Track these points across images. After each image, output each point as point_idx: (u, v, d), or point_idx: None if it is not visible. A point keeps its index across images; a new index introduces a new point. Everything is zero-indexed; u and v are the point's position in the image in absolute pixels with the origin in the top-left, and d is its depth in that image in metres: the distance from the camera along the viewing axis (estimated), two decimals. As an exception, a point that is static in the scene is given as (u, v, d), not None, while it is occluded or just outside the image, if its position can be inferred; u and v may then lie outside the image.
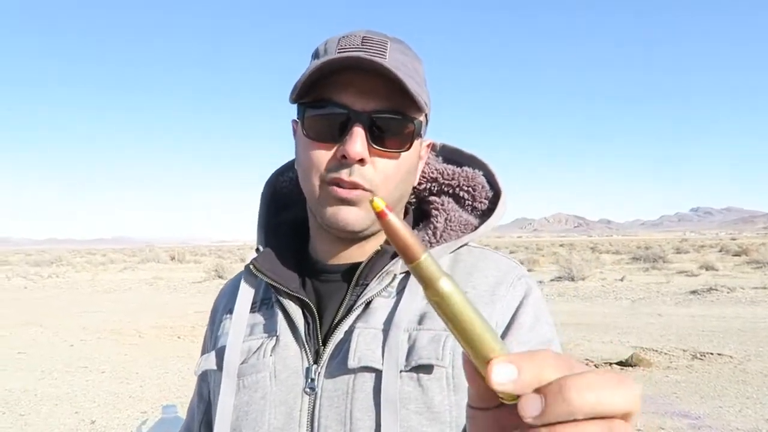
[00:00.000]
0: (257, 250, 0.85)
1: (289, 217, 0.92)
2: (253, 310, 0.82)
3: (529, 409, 0.31)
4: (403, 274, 0.78)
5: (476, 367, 0.34)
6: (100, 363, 7.01)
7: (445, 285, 0.33)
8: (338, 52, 0.74)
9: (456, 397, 0.70)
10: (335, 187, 0.74)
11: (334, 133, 0.74)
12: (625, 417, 0.32)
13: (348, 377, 0.71)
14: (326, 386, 0.71)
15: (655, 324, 8.72)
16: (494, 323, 0.74)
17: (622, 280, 15.48)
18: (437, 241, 0.81)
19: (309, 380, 0.72)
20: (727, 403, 4.96)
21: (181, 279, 19.79)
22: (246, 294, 0.83)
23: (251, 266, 0.81)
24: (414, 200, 0.91)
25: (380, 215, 0.33)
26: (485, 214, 0.85)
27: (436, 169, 0.88)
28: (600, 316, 9.58)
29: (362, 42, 0.75)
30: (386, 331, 0.72)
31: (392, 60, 0.74)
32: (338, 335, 0.74)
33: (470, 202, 0.85)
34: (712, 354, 6.62)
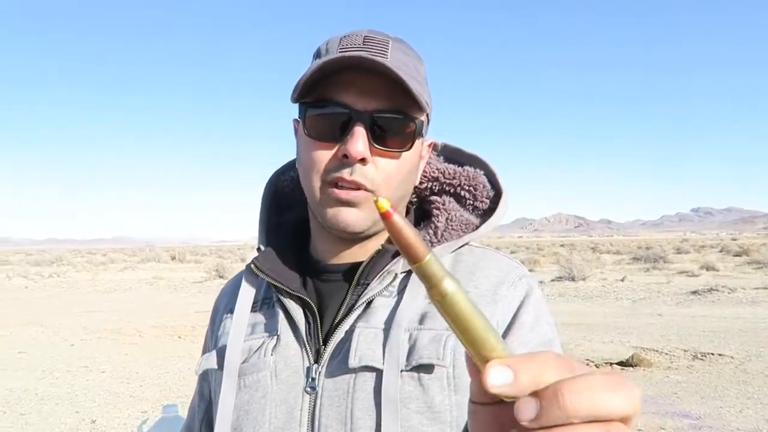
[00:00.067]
0: (258, 249, 0.85)
1: (290, 217, 0.92)
2: (254, 309, 0.82)
3: (525, 412, 0.31)
4: (404, 274, 0.78)
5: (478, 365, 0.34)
6: (100, 363, 7.01)
7: (449, 285, 0.33)
8: (340, 52, 0.74)
9: (456, 397, 0.70)
10: (335, 189, 0.74)
11: (336, 132, 0.73)
12: (624, 419, 0.31)
13: (349, 377, 0.71)
14: (327, 386, 0.71)
15: (655, 324, 8.72)
16: (495, 323, 0.74)
17: (622, 280, 15.48)
18: (438, 241, 0.81)
19: (310, 379, 0.72)
20: (727, 403, 4.96)
21: (181, 279, 19.80)
22: (247, 293, 0.83)
23: (252, 265, 0.81)
24: (415, 199, 0.91)
25: (385, 216, 0.33)
26: (486, 214, 0.85)
27: (437, 169, 0.88)
28: (600, 316, 9.57)
29: (364, 42, 0.75)
30: (387, 331, 0.72)
31: (394, 60, 0.74)
32: (339, 335, 0.74)
33: (471, 202, 0.85)
34: (712, 354, 6.62)
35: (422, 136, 0.80)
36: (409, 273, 0.77)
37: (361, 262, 0.79)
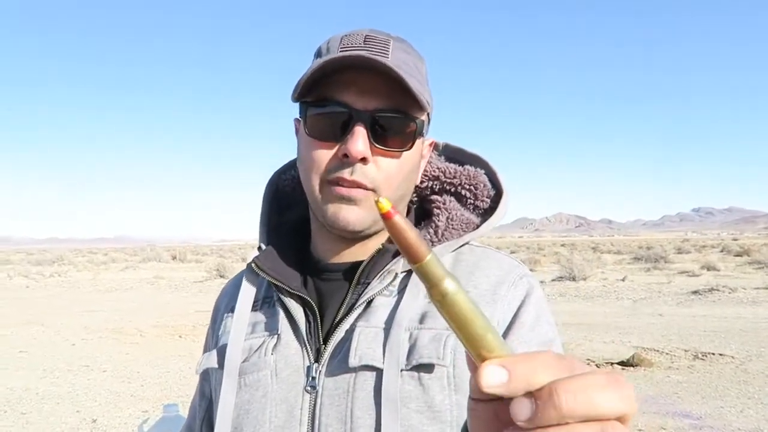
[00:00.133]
0: (259, 248, 0.85)
1: (291, 216, 0.92)
2: (254, 308, 0.82)
3: (521, 412, 0.31)
4: (404, 273, 0.78)
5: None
6: (101, 362, 7.02)
7: (449, 285, 0.34)
8: (341, 51, 0.74)
9: (457, 397, 0.70)
10: (336, 187, 0.74)
11: (336, 132, 0.74)
12: (620, 418, 0.32)
13: (349, 376, 0.71)
14: (327, 385, 0.71)
15: (656, 324, 8.71)
16: (496, 322, 0.74)
17: (623, 280, 15.47)
18: (439, 240, 0.81)
19: (310, 379, 0.72)
20: (728, 403, 4.96)
21: (182, 278, 19.81)
22: (247, 292, 0.83)
23: (253, 264, 0.81)
24: (416, 199, 0.91)
25: (386, 216, 0.33)
26: (487, 213, 0.85)
27: (438, 168, 0.88)
28: (601, 316, 9.57)
29: (365, 41, 0.75)
30: (387, 330, 0.72)
31: (394, 59, 0.74)
32: (339, 334, 0.74)
33: (472, 201, 0.85)
34: (713, 354, 6.61)
35: (423, 135, 0.80)
36: (409, 272, 0.77)
37: (362, 262, 0.79)
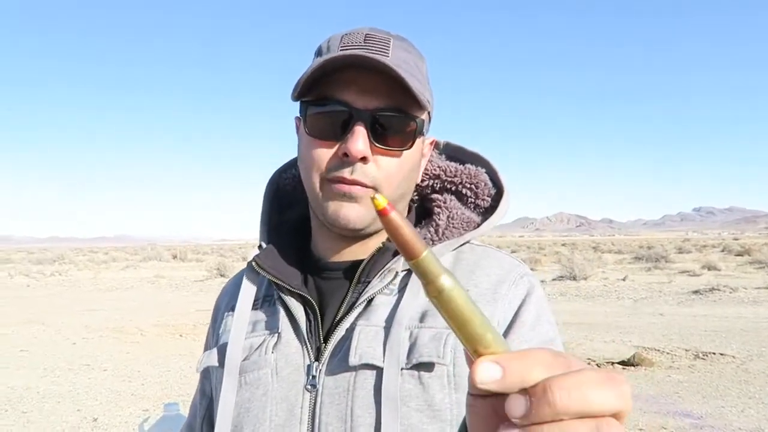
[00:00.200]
0: (260, 247, 0.85)
1: (291, 215, 0.92)
2: (255, 307, 0.82)
3: (515, 409, 0.31)
4: (404, 272, 0.78)
5: None
6: (102, 361, 7.03)
7: (445, 281, 0.34)
8: (341, 50, 0.73)
9: (457, 396, 0.70)
10: (336, 184, 0.74)
11: (336, 131, 0.73)
12: (615, 415, 0.32)
13: (349, 374, 0.71)
14: (327, 383, 0.71)
15: (657, 324, 8.71)
16: (496, 321, 0.74)
17: (624, 279, 15.47)
18: (439, 239, 0.81)
19: (310, 377, 0.72)
20: (729, 402, 4.96)
21: (182, 277, 19.83)
22: (248, 291, 0.83)
23: (253, 263, 0.81)
24: (416, 197, 0.91)
25: (381, 213, 0.33)
26: (488, 212, 0.84)
27: (438, 167, 0.88)
28: (602, 316, 9.57)
29: (365, 39, 0.75)
30: (387, 329, 0.72)
31: (395, 58, 0.74)
32: (339, 332, 0.74)
33: (473, 200, 0.85)
34: (714, 354, 6.61)
35: (423, 134, 0.80)
36: (410, 271, 0.77)
37: (362, 260, 0.79)
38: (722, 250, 30.89)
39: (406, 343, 0.71)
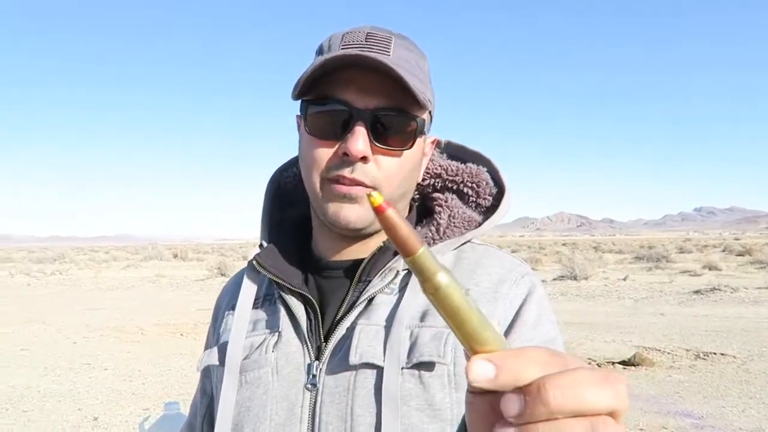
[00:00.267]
0: (260, 246, 0.85)
1: (292, 213, 0.92)
2: (255, 306, 0.82)
3: (509, 408, 0.31)
4: (405, 271, 0.77)
5: None
6: (102, 360, 7.03)
7: (442, 278, 0.34)
8: (342, 49, 0.73)
9: (457, 395, 0.70)
10: (336, 184, 0.73)
11: (337, 130, 0.73)
12: (611, 414, 0.31)
13: (349, 374, 0.71)
14: (327, 382, 0.71)
15: (657, 323, 8.71)
16: (497, 321, 0.74)
17: (624, 279, 15.46)
18: (440, 238, 0.81)
19: (310, 376, 0.72)
20: (730, 402, 4.95)
21: (183, 277, 19.84)
22: (248, 290, 0.83)
23: (254, 262, 0.81)
24: (417, 196, 0.91)
25: (378, 210, 0.33)
26: (489, 211, 0.84)
27: (440, 166, 0.88)
28: (603, 316, 9.57)
29: (366, 38, 0.74)
30: (388, 328, 0.72)
31: (396, 57, 0.74)
32: (340, 332, 0.74)
33: (474, 199, 0.85)
34: (715, 354, 6.61)
35: (424, 133, 0.80)
36: (410, 271, 0.77)
37: (363, 259, 0.78)
38: (723, 250, 30.88)
39: (407, 342, 0.71)
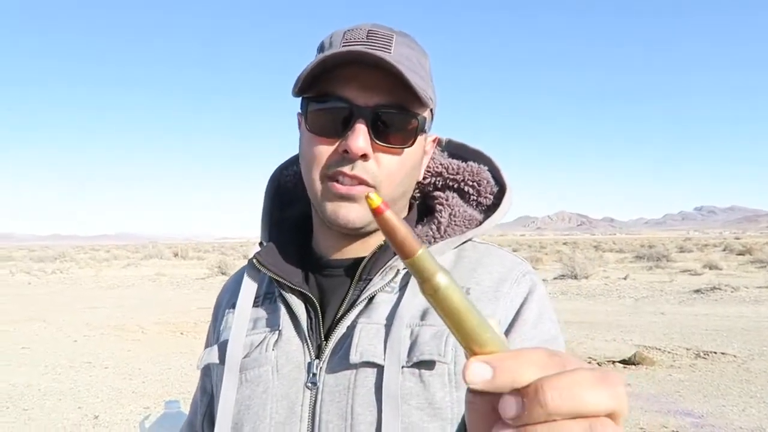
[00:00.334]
0: (260, 244, 0.85)
1: (293, 212, 0.92)
2: (255, 304, 0.82)
3: (507, 410, 0.31)
4: (405, 270, 0.77)
5: None
6: (103, 359, 7.04)
7: (441, 280, 0.33)
8: (343, 46, 0.73)
9: (458, 394, 0.69)
10: (335, 183, 0.73)
11: (337, 127, 0.73)
12: (610, 415, 0.31)
13: (349, 372, 0.71)
14: (328, 381, 0.71)
15: (658, 323, 8.71)
16: (498, 320, 0.74)
17: (625, 278, 15.46)
18: (441, 237, 0.81)
19: (311, 375, 0.72)
20: (730, 402, 4.95)
21: (184, 275, 19.85)
22: (249, 288, 0.82)
23: (254, 260, 0.81)
24: (418, 195, 0.90)
25: (376, 212, 0.33)
26: (490, 210, 0.84)
27: (440, 164, 0.88)
28: (603, 315, 9.57)
29: (367, 36, 0.74)
30: (388, 327, 0.72)
31: (397, 54, 0.73)
32: (340, 330, 0.73)
33: (475, 197, 0.85)
34: (715, 353, 6.61)
35: (425, 131, 0.79)
36: None
37: (363, 258, 0.78)
38: (724, 249, 30.87)
39: (407, 341, 0.71)
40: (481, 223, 0.83)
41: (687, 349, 6.82)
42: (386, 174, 0.74)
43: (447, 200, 0.84)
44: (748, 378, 5.65)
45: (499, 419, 0.32)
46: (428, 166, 0.88)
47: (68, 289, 15.56)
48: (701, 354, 6.60)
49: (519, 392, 0.31)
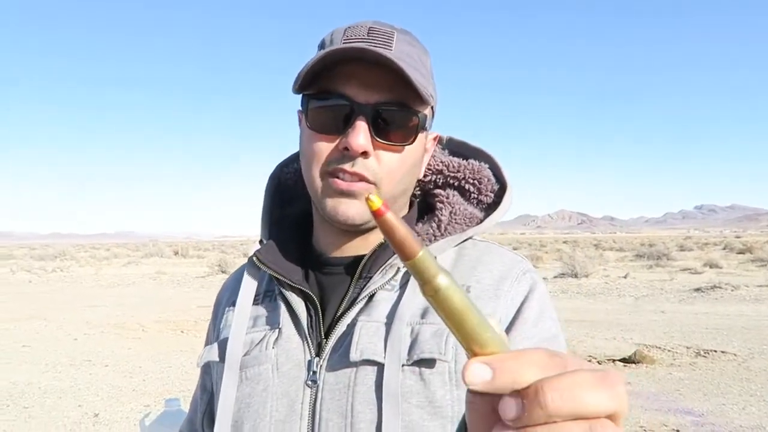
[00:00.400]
0: (261, 242, 0.85)
1: (293, 209, 0.92)
2: (256, 302, 0.82)
3: (507, 411, 0.31)
4: (406, 268, 0.77)
5: None
6: (103, 357, 7.04)
7: (442, 281, 0.33)
8: (344, 43, 0.73)
9: (458, 392, 0.69)
10: (336, 180, 0.73)
11: (338, 125, 0.73)
12: (611, 417, 0.31)
13: (350, 370, 0.71)
14: (328, 379, 0.71)
15: (658, 321, 8.71)
16: (498, 318, 0.73)
17: (625, 277, 15.46)
18: (441, 235, 0.80)
19: (311, 373, 0.72)
20: (730, 400, 4.95)
21: (184, 274, 19.86)
22: (249, 286, 0.82)
23: (254, 258, 0.81)
24: (419, 192, 0.90)
25: (376, 213, 0.33)
26: (491, 208, 0.84)
27: (441, 162, 0.87)
28: (603, 313, 9.57)
29: (368, 33, 0.74)
30: (389, 325, 0.72)
31: (398, 51, 0.73)
32: (341, 328, 0.73)
33: (476, 195, 0.85)
34: (715, 351, 6.61)
35: (426, 129, 0.79)
36: None
37: (364, 255, 0.78)
38: (724, 248, 30.88)
39: (408, 339, 0.71)
40: (481, 221, 0.82)
41: (687, 348, 6.82)
42: (387, 171, 0.74)
43: (447, 198, 0.84)
44: (748, 376, 5.65)
45: (499, 420, 0.32)
46: (429, 164, 0.87)
47: (68, 288, 15.57)
48: (701, 352, 6.61)
49: (519, 393, 0.31)
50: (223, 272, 18.45)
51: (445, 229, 0.81)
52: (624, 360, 6.33)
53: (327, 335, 0.74)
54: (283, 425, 0.71)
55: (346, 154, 0.72)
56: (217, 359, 0.79)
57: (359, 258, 0.78)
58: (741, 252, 25.92)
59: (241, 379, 0.75)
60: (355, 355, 0.70)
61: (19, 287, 15.83)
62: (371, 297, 0.75)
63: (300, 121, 0.81)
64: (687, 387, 5.37)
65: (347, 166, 0.72)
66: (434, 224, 0.82)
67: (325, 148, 0.73)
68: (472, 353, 0.34)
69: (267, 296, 0.82)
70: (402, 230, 0.33)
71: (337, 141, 0.73)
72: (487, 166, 0.85)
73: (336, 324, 0.74)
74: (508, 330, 0.74)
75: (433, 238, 0.80)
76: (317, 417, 0.70)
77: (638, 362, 6.23)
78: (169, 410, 1.82)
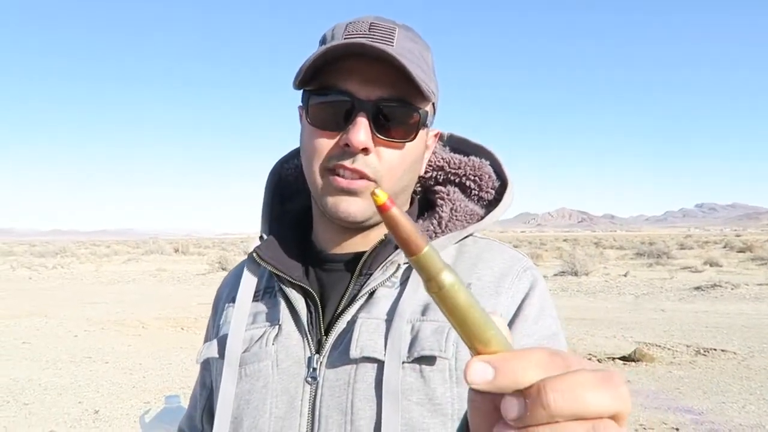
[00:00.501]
0: (261, 238, 0.85)
1: (293, 206, 0.92)
2: (255, 298, 0.81)
3: (509, 411, 0.31)
4: (406, 265, 0.77)
5: None
6: (103, 353, 7.05)
7: (446, 278, 0.33)
8: (345, 38, 0.72)
9: (458, 390, 0.69)
10: (336, 177, 0.73)
11: (339, 121, 0.72)
12: (614, 417, 0.31)
13: (350, 367, 0.70)
14: (328, 376, 0.71)
15: (658, 319, 8.71)
16: (499, 314, 0.73)
17: (625, 275, 15.46)
18: (442, 231, 0.80)
19: (311, 369, 0.72)
20: (730, 399, 4.96)
21: (184, 271, 19.87)
22: (249, 282, 0.82)
23: (254, 254, 0.81)
24: (419, 189, 0.90)
25: (381, 208, 0.32)
26: (491, 204, 0.84)
27: (442, 158, 0.87)
28: (603, 312, 9.57)
29: (370, 28, 0.73)
30: (389, 322, 0.71)
31: (399, 47, 0.73)
32: (341, 325, 0.73)
33: (476, 192, 0.84)
34: (715, 350, 6.61)
35: (427, 125, 0.79)
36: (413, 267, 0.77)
37: (364, 252, 0.78)
38: (724, 247, 30.88)
39: (408, 336, 0.70)
40: (482, 217, 0.82)
41: (687, 346, 6.82)
42: (387, 168, 0.74)
43: (448, 195, 0.84)
44: (748, 375, 5.65)
45: (501, 419, 0.32)
46: (430, 161, 0.87)
47: (69, 285, 15.59)
48: (701, 351, 6.61)
49: (521, 393, 0.31)
50: (223, 269, 18.46)
51: (446, 225, 0.81)
52: (624, 358, 6.33)
53: (327, 332, 0.74)
54: (283, 422, 0.71)
55: (346, 150, 0.72)
56: (217, 355, 0.79)
57: (359, 255, 0.78)
58: (741, 250, 25.91)
59: (241, 376, 0.75)
60: (355, 352, 0.70)
61: (19, 284, 15.84)
62: (371, 294, 0.74)
63: (301, 117, 0.81)
64: (687, 385, 5.37)
65: (348, 163, 0.71)
66: (435, 221, 0.81)
67: (325, 144, 0.73)
68: (475, 351, 0.33)
69: (267, 292, 0.82)
70: (407, 226, 0.32)
71: (338, 137, 0.72)
72: (488, 162, 0.85)
73: (336, 321, 0.74)
74: (508, 327, 0.73)
75: (433, 234, 0.80)
76: (317, 414, 0.70)
77: (638, 360, 6.23)
78: (169, 407, 1.83)
